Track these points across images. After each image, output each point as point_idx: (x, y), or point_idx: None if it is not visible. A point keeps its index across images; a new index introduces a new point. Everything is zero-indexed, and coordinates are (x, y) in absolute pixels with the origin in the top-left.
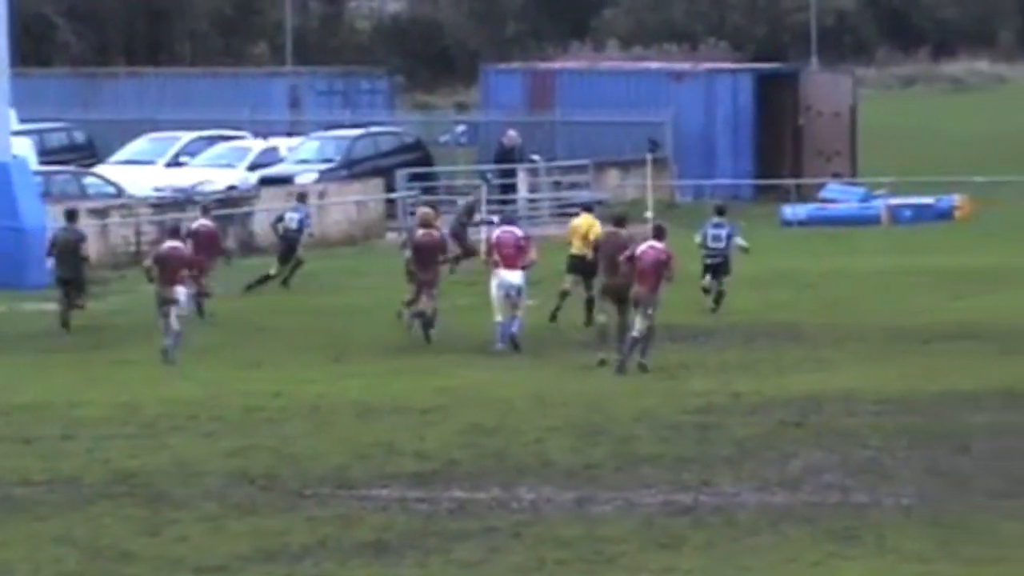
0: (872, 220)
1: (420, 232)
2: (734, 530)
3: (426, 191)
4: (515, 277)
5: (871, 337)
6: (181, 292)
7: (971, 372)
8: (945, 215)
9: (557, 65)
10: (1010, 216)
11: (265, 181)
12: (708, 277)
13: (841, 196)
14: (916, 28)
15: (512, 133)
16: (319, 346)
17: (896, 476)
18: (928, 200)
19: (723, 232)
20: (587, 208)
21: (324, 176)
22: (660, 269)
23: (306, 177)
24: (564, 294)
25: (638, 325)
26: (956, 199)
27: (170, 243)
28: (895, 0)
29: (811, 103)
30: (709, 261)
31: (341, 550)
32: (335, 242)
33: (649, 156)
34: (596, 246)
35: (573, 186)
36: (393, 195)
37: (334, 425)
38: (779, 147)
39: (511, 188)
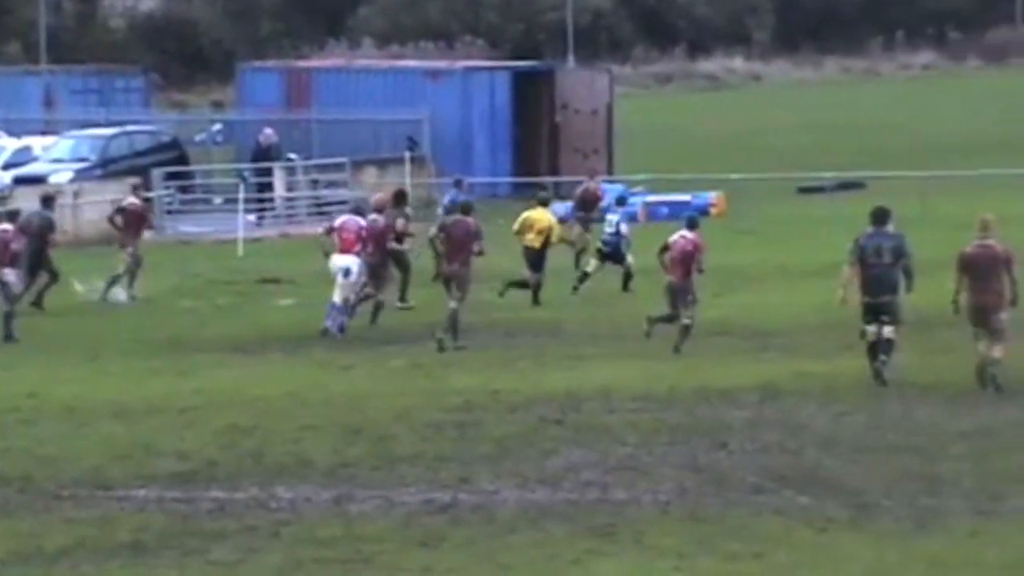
0: (629, 218)
1: (372, 217)
2: (493, 528)
3: (183, 190)
4: (346, 261)
5: (629, 334)
6: (10, 274)
7: (728, 368)
8: (701, 212)
9: (313, 63)
10: (764, 213)
11: (19, 181)
12: (594, 262)
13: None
14: (671, 26)
15: (268, 132)
16: (74, 346)
17: (654, 473)
18: (684, 198)
19: (615, 219)
20: (543, 203)
21: (79, 175)
22: (688, 259)
23: (61, 176)
24: (523, 284)
25: (681, 317)
26: (711, 196)
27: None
28: None
29: (568, 101)
30: (601, 248)
31: (99, 551)
32: (90, 241)
33: (407, 154)
34: (441, 228)
35: (330, 184)
36: (149, 194)
37: (90, 426)
38: (536, 145)
39: (268, 187)
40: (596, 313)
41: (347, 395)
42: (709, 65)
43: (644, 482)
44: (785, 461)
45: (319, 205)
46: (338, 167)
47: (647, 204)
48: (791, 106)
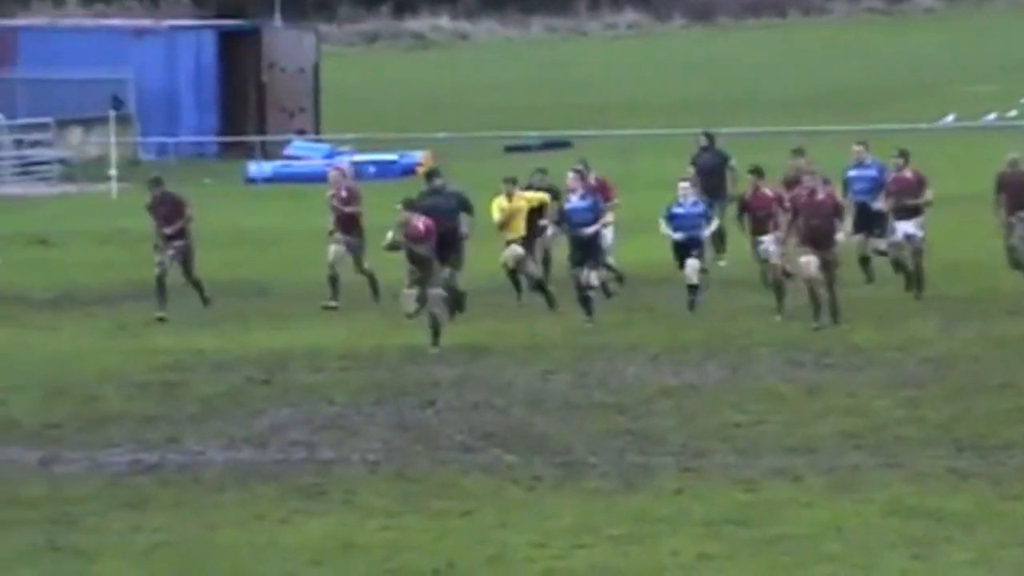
0: None
1: None
2: (200, 488)
3: None
4: None
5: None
6: None
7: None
8: (408, 171)
9: (18, 22)
10: (471, 172)
11: None
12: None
13: (306, 153)
14: None
15: None
16: None
17: (362, 432)
18: (392, 157)
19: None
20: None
21: None
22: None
23: None
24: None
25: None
26: (419, 155)
27: None
28: None
29: (274, 60)
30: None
31: None
32: None
33: (112, 113)
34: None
35: (36, 144)
36: None
37: None
38: (244, 104)
39: None
40: (300, 273)
41: (53, 354)
42: (415, 24)
43: (352, 441)
44: (492, 419)
45: (24, 165)
46: (42, 127)
47: (355, 163)
48: (497, 65)
